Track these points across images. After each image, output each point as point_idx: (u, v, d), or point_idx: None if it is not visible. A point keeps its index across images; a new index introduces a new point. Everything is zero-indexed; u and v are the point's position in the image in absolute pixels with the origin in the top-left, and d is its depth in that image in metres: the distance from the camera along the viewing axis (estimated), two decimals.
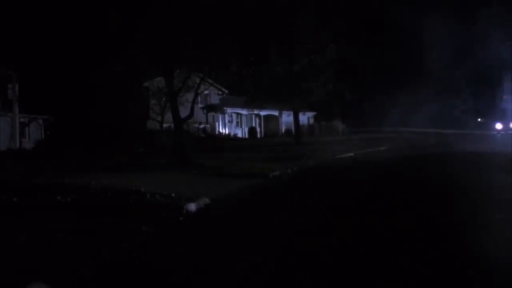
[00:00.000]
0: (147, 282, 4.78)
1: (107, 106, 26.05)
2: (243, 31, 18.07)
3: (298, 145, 27.35)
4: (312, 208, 8.73)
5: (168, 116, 21.82)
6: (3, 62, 23.81)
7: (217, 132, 38.65)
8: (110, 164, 15.95)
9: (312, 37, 27.91)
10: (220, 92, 38.22)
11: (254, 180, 12.65)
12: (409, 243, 5.94)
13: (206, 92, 28.44)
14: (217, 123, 39.67)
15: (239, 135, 40.88)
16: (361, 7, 35.80)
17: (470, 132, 43.58)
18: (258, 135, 42.24)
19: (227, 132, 39.41)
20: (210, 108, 38.79)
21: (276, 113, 41.98)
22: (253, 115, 42.83)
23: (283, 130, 42.90)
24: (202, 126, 37.78)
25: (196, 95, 19.23)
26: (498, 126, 44.55)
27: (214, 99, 39.21)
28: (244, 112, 40.45)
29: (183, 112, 18.29)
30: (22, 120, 28.12)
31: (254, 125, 43.20)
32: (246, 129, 42.35)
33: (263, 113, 41.39)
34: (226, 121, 40.30)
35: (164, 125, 28.18)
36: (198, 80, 19.47)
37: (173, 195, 9.21)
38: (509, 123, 42.88)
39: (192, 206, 8.44)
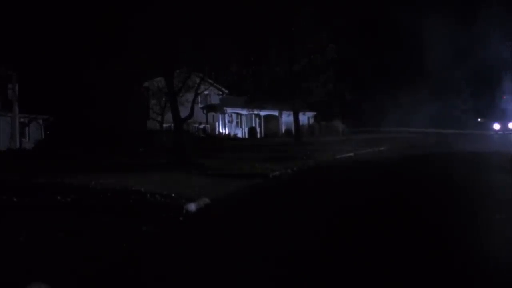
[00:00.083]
0: (147, 282, 4.78)
1: (107, 106, 26.05)
2: (243, 31, 18.07)
3: (298, 145, 27.33)
4: (312, 208, 8.72)
5: (168, 116, 21.82)
6: (3, 62, 23.81)
7: (217, 132, 38.66)
8: (110, 164, 15.94)
9: (312, 37, 27.95)
10: (220, 92, 38.24)
11: (254, 180, 12.64)
12: (409, 242, 5.94)
13: (206, 92, 28.44)
14: (217, 123, 39.68)
15: (239, 135, 40.89)
16: (361, 7, 35.84)
17: (469, 132, 43.59)
18: (258, 135, 42.25)
19: (227, 132, 39.42)
20: (210, 108, 38.80)
21: (276, 113, 41.99)
22: (253, 115, 42.84)
23: (283, 130, 42.91)
24: (202, 126, 37.79)
25: (196, 95, 19.23)
26: (496, 126, 44.55)
27: (214, 99, 39.22)
28: (244, 112, 40.47)
29: (183, 112, 18.29)
30: (22, 120, 28.13)
31: (254, 125, 43.22)
32: (246, 129, 42.36)
33: (263, 113, 41.40)
34: (226, 121, 40.31)
35: (164, 125, 28.18)
36: (198, 80, 19.47)
37: (173, 195, 9.21)
38: (507, 123, 42.88)
39: (192, 206, 8.44)
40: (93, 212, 7.65)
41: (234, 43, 17.55)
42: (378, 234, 6.44)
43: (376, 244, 5.94)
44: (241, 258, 5.50)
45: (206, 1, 16.41)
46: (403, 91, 42.79)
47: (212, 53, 17.27)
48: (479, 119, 50.96)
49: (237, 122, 42.48)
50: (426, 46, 40.32)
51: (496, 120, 44.64)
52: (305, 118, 43.31)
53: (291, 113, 32.88)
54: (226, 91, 37.91)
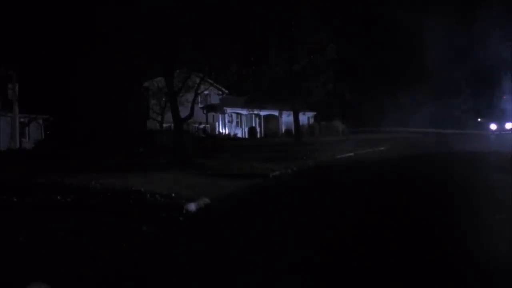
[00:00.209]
0: (147, 282, 4.78)
1: (107, 106, 26.04)
2: (243, 31, 18.07)
3: (298, 145, 27.32)
4: (312, 209, 8.73)
5: (168, 116, 21.81)
6: (3, 62, 23.80)
7: (217, 132, 38.65)
8: (110, 164, 15.93)
9: (312, 37, 27.93)
10: (220, 92, 38.22)
11: (254, 180, 12.65)
12: (409, 243, 5.94)
13: (206, 92, 28.43)
14: (217, 123, 39.67)
15: (239, 135, 40.88)
16: (361, 7, 35.85)
17: (469, 132, 43.59)
18: (258, 135, 42.24)
19: (227, 132, 39.41)
20: (210, 108, 38.80)
21: (276, 113, 41.99)
22: (253, 115, 42.83)
23: (283, 130, 42.90)
24: (202, 126, 37.78)
25: (196, 95, 19.22)
26: (493, 126, 44.50)
27: (214, 99, 39.21)
28: (244, 112, 40.46)
29: (183, 112, 18.29)
30: (22, 120, 28.12)
31: (254, 125, 43.21)
32: (246, 129, 42.35)
33: (263, 113, 41.40)
34: (226, 121, 40.30)
35: (164, 125, 28.17)
36: (198, 80, 19.46)
37: (173, 195, 9.21)
38: (504, 124, 42.84)
39: (192, 206, 8.44)
40: (93, 212, 7.65)
41: (234, 43, 17.55)
42: (378, 234, 6.44)
43: (377, 244, 5.94)
44: (241, 259, 5.50)
45: (206, 1, 16.40)
46: (403, 91, 42.78)
47: (212, 53, 17.26)
48: (479, 119, 50.92)
49: (237, 122, 42.47)
50: (426, 46, 40.31)
51: (496, 120, 44.61)
52: (305, 118, 43.30)
53: (291, 113, 32.86)
54: (226, 91, 37.90)
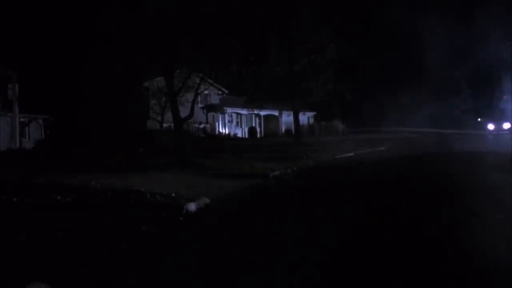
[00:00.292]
0: (147, 282, 4.78)
1: (107, 106, 26.04)
2: (243, 31, 18.08)
3: (298, 145, 27.33)
4: (312, 209, 8.73)
5: (168, 116, 21.82)
6: (3, 62, 23.80)
7: (217, 132, 38.65)
8: (110, 164, 15.94)
9: (312, 37, 27.92)
10: (220, 92, 38.22)
11: (254, 180, 12.65)
12: (408, 242, 5.95)
13: (206, 92, 28.44)
14: (217, 123, 39.68)
15: (239, 135, 40.89)
16: (361, 7, 35.85)
17: (469, 132, 43.61)
18: (258, 135, 42.25)
19: (227, 132, 39.41)
20: (210, 108, 38.80)
21: (276, 113, 41.99)
22: (253, 115, 42.84)
23: (283, 130, 42.91)
24: (202, 126, 37.78)
25: (196, 95, 19.23)
26: (490, 126, 44.47)
27: (214, 99, 39.22)
28: (244, 112, 40.46)
29: (183, 112, 18.29)
30: (22, 120, 28.13)
31: (254, 125, 43.21)
32: (246, 129, 42.36)
33: (263, 113, 41.40)
34: (226, 121, 40.30)
35: (164, 125, 28.18)
36: (198, 80, 19.47)
37: (173, 195, 9.21)
38: (502, 124, 42.82)
39: (192, 206, 8.44)
40: (93, 212, 7.65)
41: (234, 43, 17.55)
42: (379, 234, 6.44)
43: (377, 244, 5.94)
44: (241, 259, 5.50)
45: (206, 1, 16.40)
46: (403, 91, 42.82)
47: (212, 53, 17.27)
48: (479, 119, 50.95)
49: (237, 122, 42.48)
50: (426, 46, 40.34)
51: (493, 120, 44.61)
52: (305, 118, 43.30)
53: (291, 113, 32.86)
54: (226, 91, 37.90)
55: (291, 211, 8.50)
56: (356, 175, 14.61)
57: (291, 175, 14.48)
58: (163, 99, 26.20)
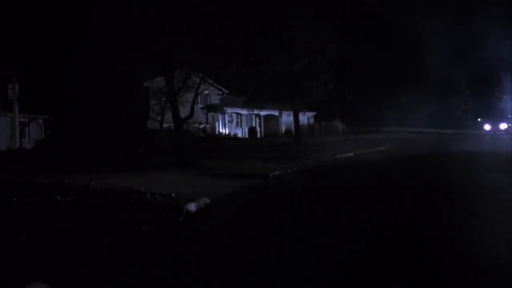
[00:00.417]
0: (147, 282, 4.78)
1: (107, 106, 26.03)
2: (243, 31, 18.07)
3: (298, 145, 27.34)
4: (312, 209, 8.73)
5: (168, 116, 21.83)
6: (3, 62, 23.80)
7: (217, 132, 38.66)
8: (110, 164, 15.93)
9: (312, 37, 27.91)
10: (220, 92, 38.23)
11: (254, 180, 12.65)
12: (408, 242, 5.95)
13: (206, 92, 28.46)
14: (217, 123, 39.68)
15: (239, 135, 40.90)
16: (361, 7, 35.84)
17: (469, 132, 43.61)
18: (258, 135, 42.26)
19: (227, 132, 39.42)
20: (210, 108, 38.80)
21: (276, 113, 42.00)
22: (253, 115, 42.85)
23: (283, 130, 42.91)
24: (202, 126, 37.79)
25: (196, 95, 19.24)
26: (487, 127, 44.44)
27: (214, 99, 39.22)
28: (244, 112, 40.47)
29: (183, 112, 18.30)
30: (22, 120, 28.13)
31: (254, 125, 43.22)
32: (246, 129, 42.36)
33: (263, 113, 41.41)
34: (226, 121, 40.31)
35: (164, 125, 28.19)
36: (198, 80, 19.48)
37: (173, 195, 9.20)
38: (498, 124, 42.82)
39: (192, 206, 8.44)
40: (93, 212, 7.64)
41: (234, 43, 17.55)
42: (380, 234, 6.45)
43: (378, 244, 5.94)
44: (241, 259, 5.50)
45: (206, 1, 16.41)
46: (403, 91, 42.83)
47: (212, 53, 17.27)
48: (479, 119, 50.99)
49: (237, 122, 42.49)
50: (426, 46, 40.34)
51: (491, 121, 44.64)
52: (305, 118, 43.31)
53: (291, 113, 32.86)
54: (226, 91, 37.91)
55: (291, 212, 8.50)
56: (356, 175, 14.61)
57: (291, 175, 14.48)
58: (163, 99, 26.23)
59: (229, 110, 40.12)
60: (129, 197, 8.90)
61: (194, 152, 19.19)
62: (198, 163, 16.02)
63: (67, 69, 23.47)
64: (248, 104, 33.74)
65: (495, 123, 43.69)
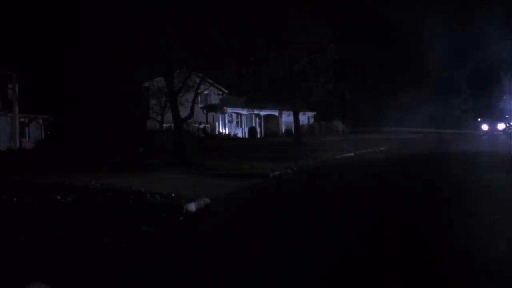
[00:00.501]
0: (147, 282, 4.78)
1: (107, 106, 26.03)
2: (243, 31, 18.07)
3: (298, 145, 27.34)
4: (312, 209, 8.73)
5: (168, 116, 21.83)
6: (3, 62, 23.80)
7: (217, 132, 38.65)
8: (110, 164, 15.93)
9: (312, 37, 27.90)
10: (220, 92, 38.22)
11: (254, 180, 12.65)
12: (408, 241, 5.95)
13: (206, 92, 28.44)
14: (217, 123, 39.68)
15: (239, 135, 40.90)
16: (361, 7, 35.86)
17: (468, 132, 43.60)
18: (258, 135, 42.25)
19: (227, 132, 39.42)
20: (210, 108, 38.80)
21: (276, 113, 41.99)
22: (253, 115, 42.84)
23: (283, 130, 42.91)
24: (202, 126, 37.78)
25: (196, 95, 19.24)
26: (484, 127, 44.38)
27: (214, 99, 39.22)
28: (244, 112, 40.46)
29: (183, 112, 18.30)
30: (22, 120, 28.12)
31: (254, 125, 43.22)
32: (246, 129, 42.36)
33: (263, 113, 41.41)
34: (226, 121, 40.31)
35: (164, 125, 28.18)
36: (198, 80, 19.48)
37: (173, 195, 9.20)
38: (496, 124, 42.77)
39: (192, 206, 8.44)
40: (93, 212, 7.65)
41: (234, 43, 17.55)
42: (380, 234, 6.45)
43: (379, 244, 5.94)
44: (241, 259, 5.50)
45: (207, 1, 16.41)
46: (403, 91, 42.84)
47: (212, 53, 17.27)
48: (479, 119, 50.99)
49: (237, 122, 42.49)
50: (426, 46, 40.34)
51: (488, 121, 44.61)
52: (305, 118, 43.30)
53: (291, 113, 32.86)
54: (226, 91, 37.90)
55: (291, 212, 8.50)
56: (356, 175, 14.61)
57: (291, 175, 14.48)
58: (163, 99, 26.21)
59: (229, 110, 40.12)
60: (129, 197, 8.90)
61: (194, 152, 19.19)
62: (198, 163, 16.02)
63: (67, 69, 23.46)
64: (248, 104, 33.72)
65: (493, 123, 43.66)
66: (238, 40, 17.76)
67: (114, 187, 9.97)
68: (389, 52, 44.49)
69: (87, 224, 6.81)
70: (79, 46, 19.83)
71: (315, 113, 45.31)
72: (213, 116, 39.54)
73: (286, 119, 41.05)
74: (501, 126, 43.16)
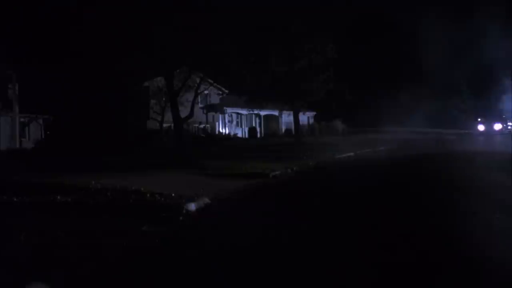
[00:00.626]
0: (147, 282, 4.78)
1: (107, 106, 26.04)
2: (243, 32, 18.08)
3: (298, 145, 27.32)
4: (312, 209, 8.72)
5: (168, 116, 21.85)
6: (3, 62, 23.80)
7: (217, 132, 38.63)
8: (110, 164, 15.93)
9: (312, 37, 27.89)
10: (220, 92, 38.23)
11: (254, 180, 12.64)
12: (406, 240, 5.95)
13: (206, 92, 28.46)
14: (217, 123, 39.67)
15: (239, 135, 40.87)
16: (361, 7, 35.86)
17: (468, 132, 43.57)
18: (258, 135, 42.22)
19: (227, 132, 39.41)
20: (210, 108, 38.78)
21: (276, 113, 41.97)
22: (253, 115, 42.83)
23: (283, 130, 42.90)
24: (202, 126, 37.77)
25: (196, 95, 19.27)
26: (480, 127, 44.24)
27: (214, 99, 39.20)
28: (244, 112, 40.46)
29: (183, 112, 18.32)
30: (22, 120, 28.12)
31: (254, 125, 43.21)
32: (246, 129, 42.35)
33: (263, 113, 41.40)
34: (226, 121, 40.30)
35: (164, 125, 28.18)
36: (198, 80, 19.51)
37: (173, 195, 9.20)
38: (492, 125, 42.66)
39: (192, 206, 8.44)
40: (93, 212, 7.65)
41: (235, 43, 17.56)
42: (379, 233, 6.45)
43: (378, 243, 5.94)
44: (240, 259, 5.50)
45: (207, 1, 16.42)
46: (403, 91, 42.81)
47: (212, 53, 17.28)
48: (479, 119, 50.95)
49: (237, 122, 42.47)
50: (426, 46, 40.30)
51: (485, 121, 44.52)
52: (305, 118, 43.29)
53: (291, 113, 32.86)
54: (226, 91, 37.89)
55: (291, 212, 8.50)
56: (356, 175, 14.60)
57: (291, 175, 14.48)
58: (163, 99, 26.22)
59: (229, 110, 40.11)
60: (129, 197, 8.90)
61: (194, 152, 19.18)
62: (198, 162, 16.01)
63: (67, 69, 23.47)
64: (248, 104, 33.72)
65: (489, 123, 43.60)
66: (239, 40, 17.78)
67: (114, 187, 9.96)
68: (389, 52, 44.45)
69: (87, 224, 6.81)
70: (80, 46, 19.84)
71: (315, 113, 45.30)
72: (213, 116, 39.52)
73: (286, 119, 41.05)
74: (497, 126, 43.10)
